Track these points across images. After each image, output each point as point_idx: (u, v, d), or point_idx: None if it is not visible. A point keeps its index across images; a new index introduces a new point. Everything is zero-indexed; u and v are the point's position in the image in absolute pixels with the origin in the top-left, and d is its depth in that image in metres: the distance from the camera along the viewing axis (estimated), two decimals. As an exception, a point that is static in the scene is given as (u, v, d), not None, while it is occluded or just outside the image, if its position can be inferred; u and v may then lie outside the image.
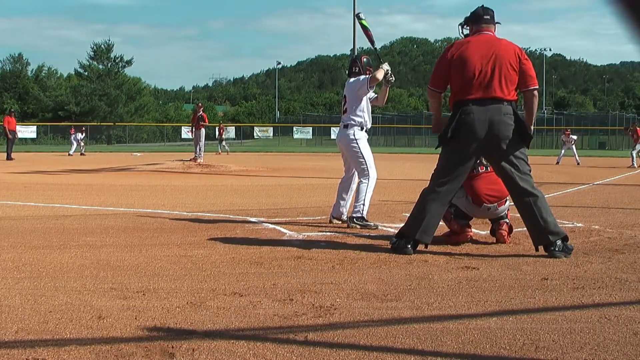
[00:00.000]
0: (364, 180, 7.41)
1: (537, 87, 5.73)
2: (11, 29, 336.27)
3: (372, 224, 7.23)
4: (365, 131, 7.58)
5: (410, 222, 5.77)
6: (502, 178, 5.73)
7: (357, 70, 7.59)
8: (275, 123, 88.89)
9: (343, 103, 7.72)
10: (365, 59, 7.72)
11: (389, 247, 5.84)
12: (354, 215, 7.26)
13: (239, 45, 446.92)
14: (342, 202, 7.59)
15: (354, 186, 7.64)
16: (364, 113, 7.51)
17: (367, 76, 7.39)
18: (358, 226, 7.17)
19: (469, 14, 5.89)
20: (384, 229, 7.14)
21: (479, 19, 5.77)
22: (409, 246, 5.67)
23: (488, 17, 5.77)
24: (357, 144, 7.44)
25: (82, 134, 35.79)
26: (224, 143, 38.77)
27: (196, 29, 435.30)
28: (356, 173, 7.60)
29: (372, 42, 7.59)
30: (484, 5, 5.84)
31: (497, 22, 5.84)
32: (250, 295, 4.18)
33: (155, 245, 6.09)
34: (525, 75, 5.61)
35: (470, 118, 5.52)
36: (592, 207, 9.88)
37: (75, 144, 34.74)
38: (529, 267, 5.16)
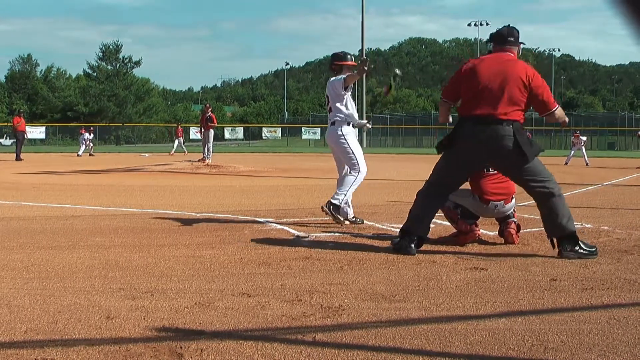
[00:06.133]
0: (353, 173, 7.48)
1: (556, 107, 5.68)
2: (23, 30, 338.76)
3: (341, 218, 7.31)
4: (353, 126, 7.66)
5: (411, 219, 5.85)
6: (516, 183, 5.84)
7: (335, 68, 7.69)
8: (283, 124, 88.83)
9: (326, 102, 7.77)
10: (342, 55, 7.75)
11: (391, 247, 5.86)
12: (334, 202, 7.31)
13: (250, 46, 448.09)
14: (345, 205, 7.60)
15: (360, 178, 7.63)
16: (348, 110, 7.59)
17: (343, 76, 7.48)
18: (329, 214, 7.26)
19: (495, 31, 5.90)
20: (392, 229, 7.13)
21: (502, 40, 5.78)
22: (413, 245, 5.70)
23: (512, 38, 5.76)
24: (346, 139, 7.52)
25: (89, 134, 35.82)
26: (179, 143, 38.36)
27: (207, 30, 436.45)
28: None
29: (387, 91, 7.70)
30: (510, 25, 5.84)
31: (522, 43, 5.83)
32: (259, 295, 4.18)
33: (164, 245, 6.10)
34: (539, 103, 5.60)
35: (468, 137, 5.60)
36: (601, 207, 9.84)
37: (83, 144, 34.82)
38: (537, 268, 5.14)
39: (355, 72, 7.48)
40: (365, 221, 7.66)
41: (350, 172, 7.49)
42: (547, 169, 5.69)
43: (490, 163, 5.87)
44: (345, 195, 7.35)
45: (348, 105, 7.59)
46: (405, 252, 5.67)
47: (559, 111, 5.71)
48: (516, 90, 5.49)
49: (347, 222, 7.53)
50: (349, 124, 7.58)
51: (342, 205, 7.34)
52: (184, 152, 36.02)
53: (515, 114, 5.53)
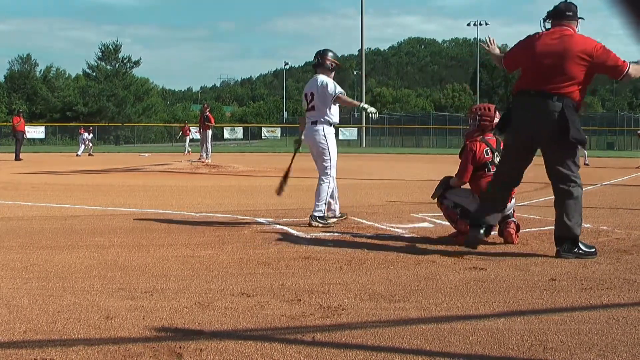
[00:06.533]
0: (325, 180, 7.50)
1: (628, 67, 5.43)
2: (23, 30, 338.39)
3: (330, 222, 7.41)
4: (333, 127, 7.67)
5: (480, 209, 5.96)
6: (546, 168, 5.73)
7: (321, 63, 7.67)
8: (283, 123, 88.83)
9: (309, 100, 7.65)
10: (331, 54, 7.73)
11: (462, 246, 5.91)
12: (317, 214, 7.37)
13: (249, 46, 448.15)
14: (332, 201, 7.69)
15: (332, 183, 7.63)
16: (332, 113, 7.60)
17: (340, 94, 7.49)
18: (320, 225, 7.29)
19: (552, 8, 5.72)
20: (391, 229, 7.13)
21: (560, 15, 5.63)
22: (482, 231, 5.83)
23: (570, 13, 5.62)
24: (326, 140, 7.53)
25: (89, 134, 35.77)
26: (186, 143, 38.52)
27: (207, 30, 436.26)
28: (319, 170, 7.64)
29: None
30: (567, 1, 5.68)
31: (580, 18, 5.67)
32: (258, 295, 4.18)
33: (163, 245, 6.10)
34: (608, 70, 5.49)
35: (518, 110, 5.63)
36: (600, 207, 9.83)
37: (82, 144, 34.77)
38: (536, 267, 5.14)
39: (350, 102, 7.82)
40: (364, 221, 7.67)
41: (322, 180, 7.51)
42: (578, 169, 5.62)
43: (537, 141, 5.65)
44: (325, 203, 7.45)
45: (332, 109, 7.59)
46: (474, 238, 5.82)
47: (632, 69, 5.47)
48: (572, 65, 5.40)
49: (335, 220, 7.57)
50: (330, 125, 7.59)
51: (325, 213, 7.44)
52: (184, 152, 36.02)
53: (568, 89, 5.42)
